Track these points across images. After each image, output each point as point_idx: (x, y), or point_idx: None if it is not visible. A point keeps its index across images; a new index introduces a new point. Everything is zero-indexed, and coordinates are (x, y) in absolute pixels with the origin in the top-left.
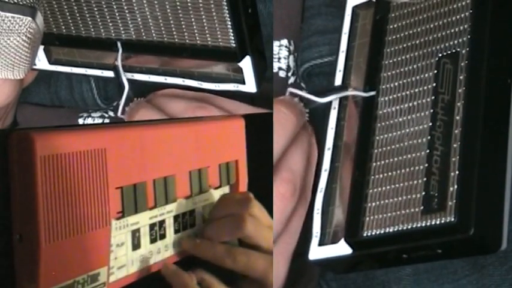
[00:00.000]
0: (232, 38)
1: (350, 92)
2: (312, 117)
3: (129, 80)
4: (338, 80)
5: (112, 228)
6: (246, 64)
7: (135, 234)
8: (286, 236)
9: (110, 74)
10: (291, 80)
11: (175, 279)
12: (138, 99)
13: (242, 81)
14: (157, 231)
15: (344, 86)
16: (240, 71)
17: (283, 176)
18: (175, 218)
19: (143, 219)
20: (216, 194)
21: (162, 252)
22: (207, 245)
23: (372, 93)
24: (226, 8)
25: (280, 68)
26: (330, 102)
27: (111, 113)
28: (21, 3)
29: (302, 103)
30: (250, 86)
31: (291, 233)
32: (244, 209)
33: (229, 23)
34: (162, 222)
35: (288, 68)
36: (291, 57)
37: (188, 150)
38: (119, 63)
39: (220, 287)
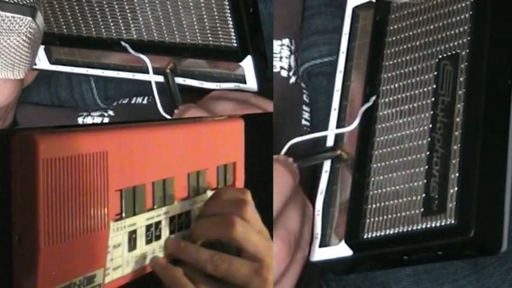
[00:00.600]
0: (234, 37)
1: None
2: None
3: (127, 81)
4: (338, 81)
5: (110, 230)
6: (247, 63)
7: (132, 236)
8: None
9: (110, 73)
10: (292, 79)
11: (164, 272)
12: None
13: (243, 81)
14: (153, 232)
15: (333, 148)
16: (241, 70)
17: (279, 234)
18: (171, 219)
19: (140, 221)
20: None
21: (157, 253)
22: (191, 249)
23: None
24: (227, 7)
25: (282, 68)
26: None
27: (111, 112)
28: (21, 3)
29: (296, 164)
30: (251, 85)
31: None
32: (236, 210)
33: (231, 22)
34: (158, 224)
35: (290, 68)
36: (293, 56)
37: (187, 152)
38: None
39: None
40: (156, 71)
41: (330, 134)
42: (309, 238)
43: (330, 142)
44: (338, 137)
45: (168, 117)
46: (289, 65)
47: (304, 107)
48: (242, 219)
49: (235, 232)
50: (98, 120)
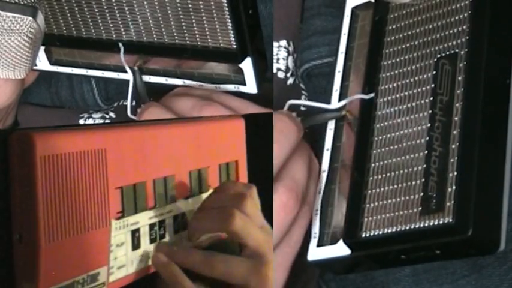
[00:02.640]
0: (233, 39)
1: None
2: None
3: (128, 82)
4: (337, 81)
5: (112, 228)
6: (247, 65)
7: (135, 234)
8: (286, 246)
9: (110, 74)
10: (290, 80)
11: (164, 270)
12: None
13: (243, 82)
14: (157, 231)
15: (338, 109)
16: (240, 72)
17: (286, 184)
18: (175, 218)
19: (143, 219)
20: None
21: None
22: (184, 253)
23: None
24: (227, 9)
25: (279, 69)
26: (326, 123)
27: (112, 114)
28: (22, 3)
29: (299, 118)
30: (250, 87)
31: (291, 243)
32: (237, 204)
33: (230, 24)
34: (162, 222)
35: (287, 69)
36: (290, 58)
37: (188, 150)
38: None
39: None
40: (154, 72)
41: (334, 99)
42: (315, 194)
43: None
44: (337, 131)
45: (134, 117)
46: (287, 67)
47: (302, 108)
48: (242, 213)
49: (234, 225)
50: (99, 122)
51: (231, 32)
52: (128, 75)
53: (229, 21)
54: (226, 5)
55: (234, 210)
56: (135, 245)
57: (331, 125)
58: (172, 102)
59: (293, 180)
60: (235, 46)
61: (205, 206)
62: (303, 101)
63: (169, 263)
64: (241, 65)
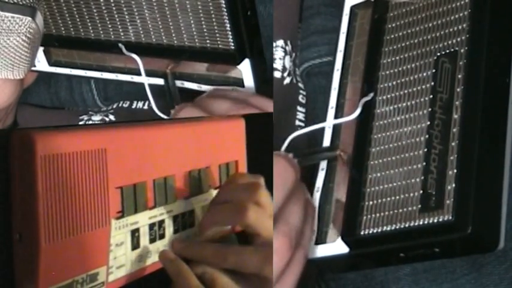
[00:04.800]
0: (231, 40)
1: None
2: None
3: (128, 82)
4: (335, 79)
5: (112, 228)
6: (245, 67)
7: (135, 234)
8: None
9: (108, 75)
10: (287, 80)
11: (170, 266)
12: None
13: (241, 84)
14: (156, 231)
15: (332, 148)
16: (239, 73)
17: (280, 228)
18: (175, 218)
19: (143, 219)
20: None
21: None
22: (196, 246)
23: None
24: (225, 10)
25: (275, 69)
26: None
27: (112, 117)
28: (21, 3)
29: (296, 159)
30: (249, 88)
31: None
32: (250, 195)
33: (228, 25)
34: (161, 222)
35: (284, 69)
36: (287, 57)
37: (188, 150)
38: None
39: (223, 278)
40: (154, 73)
41: (328, 125)
42: (310, 237)
43: (327, 138)
44: (335, 135)
45: (165, 117)
46: (284, 66)
47: (299, 108)
48: (255, 204)
49: (247, 218)
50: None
51: (229, 33)
52: (143, 78)
53: (228, 22)
54: (224, 6)
55: (247, 203)
56: (135, 245)
57: (323, 165)
58: (208, 103)
59: (287, 225)
60: (233, 47)
61: (218, 200)
62: (303, 130)
63: (176, 259)
64: (240, 67)
